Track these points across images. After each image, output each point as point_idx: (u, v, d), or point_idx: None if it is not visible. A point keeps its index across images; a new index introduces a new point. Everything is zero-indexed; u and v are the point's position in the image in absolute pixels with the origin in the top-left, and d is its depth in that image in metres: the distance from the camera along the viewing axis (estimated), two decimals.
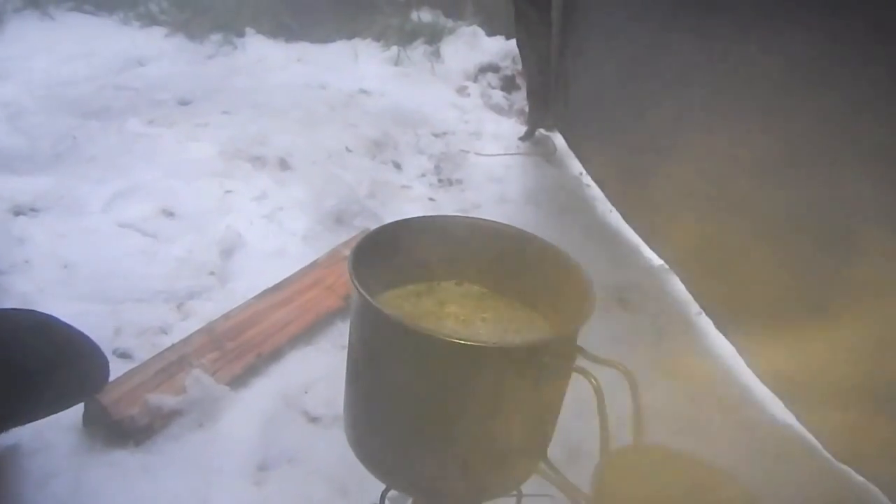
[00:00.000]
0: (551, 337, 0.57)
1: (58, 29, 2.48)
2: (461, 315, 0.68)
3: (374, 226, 1.52)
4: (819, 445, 1.15)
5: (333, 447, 1.06)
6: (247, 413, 1.10)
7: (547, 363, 0.54)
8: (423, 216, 0.70)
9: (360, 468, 1.01)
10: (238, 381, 1.15)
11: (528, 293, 0.66)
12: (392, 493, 0.68)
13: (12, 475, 0.94)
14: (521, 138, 2.15)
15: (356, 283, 0.56)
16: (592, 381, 0.54)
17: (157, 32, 2.58)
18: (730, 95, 1.25)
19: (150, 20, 2.62)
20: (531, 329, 0.66)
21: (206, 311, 1.28)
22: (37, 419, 0.82)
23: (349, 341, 0.61)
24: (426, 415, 0.56)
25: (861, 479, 1.06)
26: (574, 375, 0.57)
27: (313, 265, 1.39)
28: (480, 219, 0.69)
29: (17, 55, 2.22)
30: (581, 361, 0.56)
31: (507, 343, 0.58)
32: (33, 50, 2.27)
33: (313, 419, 1.12)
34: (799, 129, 1.06)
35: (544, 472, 0.61)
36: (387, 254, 0.65)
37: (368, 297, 0.54)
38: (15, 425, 0.86)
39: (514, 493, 0.63)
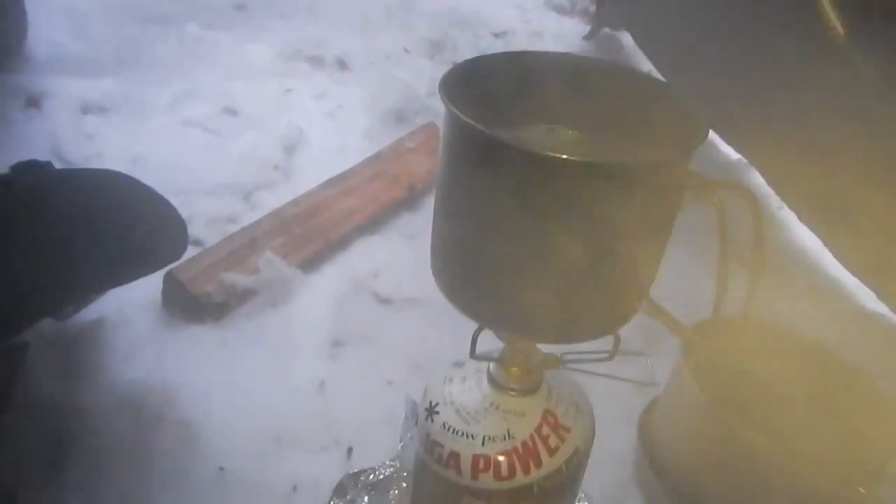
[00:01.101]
0: (665, 155, 0.52)
1: None
2: None
3: (436, 122, 1.50)
4: None
5: (405, 327, 1.06)
6: (318, 294, 1.10)
7: (658, 186, 0.50)
8: (506, 52, 0.65)
9: (434, 344, 1.02)
10: (307, 266, 1.16)
11: (629, 137, 0.60)
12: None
13: (99, 347, 0.97)
14: (585, 38, 2.06)
15: (449, 102, 0.52)
16: (714, 200, 0.50)
17: None
18: None
19: None
20: None
21: (273, 203, 1.28)
22: (124, 282, 0.83)
23: (438, 173, 0.58)
24: (523, 244, 0.52)
25: None
26: None
27: (377, 157, 1.37)
28: (569, 53, 0.64)
29: None
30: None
31: (616, 160, 0.53)
32: None
33: (384, 301, 1.11)
34: None
35: (647, 310, 0.58)
36: (470, 96, 0.60)
37: (461, 114, 0.51)
38: (104, 288, 0.88)
39: (613, 335, 0.60)
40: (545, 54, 0.65)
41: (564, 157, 0.48)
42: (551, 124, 0.65)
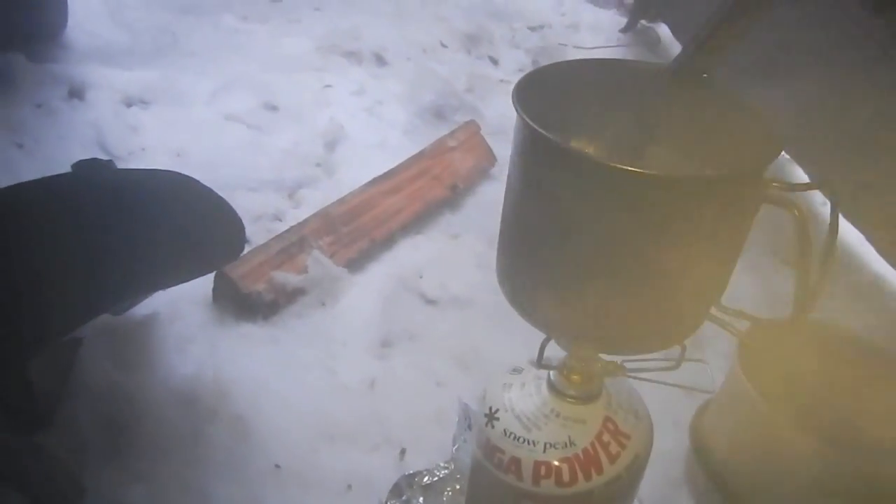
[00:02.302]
0: (746, 167, 0.51)
1: None
2: None
3: (476, 119, 1.50)
4: None
5: (452, 327, 1.07)
6: (365, 294, 1.11)
7: (737, 197, 0.50)
8: (576, 59, 0.64)
9: (482, 345, 1.02)
10: (354, 265, 1.17)
11: (702, 147, 0.59)
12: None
13: (153, 341, 0.99)
14: (621, 30, 2.04)
15: (523, 113, 0.52)
16: (795, 211, 0.50)
17: None
18: None
19: None
20: None
21: (317, 200, 1.29)
22: (183, 281, 0.84)
23: (507, 184, 0.58)
24: (597, 256, 0.53)
25: None
26: None
27: (420, 155, 1.37)
28: (645, 62, 0.64)
29: None
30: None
31: (696, 174, 0.53)
32: None
33: (430, 301, 1.12)
34: None
35: (715, 318, 0.58)
36: (541, 103, 0.59)
37: (537, 126, 0.51)
38: (162, 286, 0.89)
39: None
40: (615, 61, 0.64)
41: (643, 171, 0.48)
42: (625, 133, 0.65)
